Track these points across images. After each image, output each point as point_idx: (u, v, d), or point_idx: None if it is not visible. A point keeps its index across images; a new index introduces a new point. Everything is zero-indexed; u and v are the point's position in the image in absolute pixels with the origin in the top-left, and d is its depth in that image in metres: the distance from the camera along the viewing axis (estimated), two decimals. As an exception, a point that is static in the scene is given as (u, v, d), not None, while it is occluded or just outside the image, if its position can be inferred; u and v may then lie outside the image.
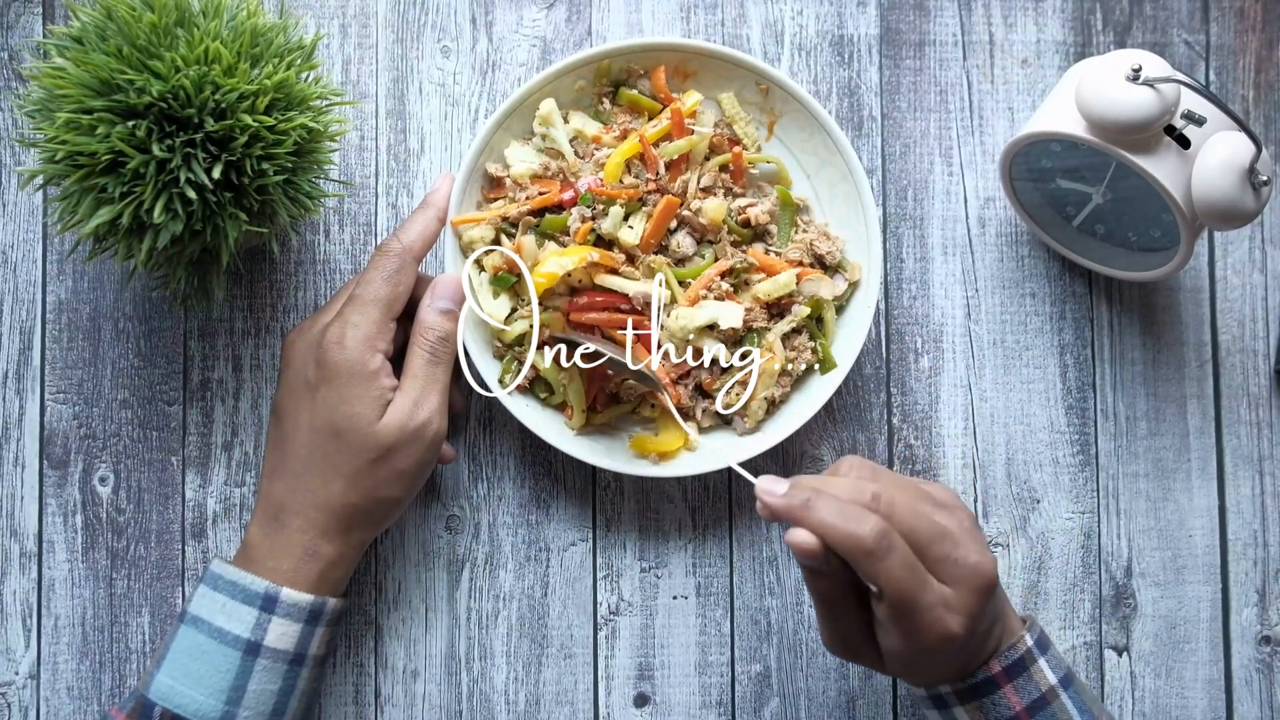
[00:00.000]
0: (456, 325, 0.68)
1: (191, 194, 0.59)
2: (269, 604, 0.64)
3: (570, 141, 0.73)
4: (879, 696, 0.76)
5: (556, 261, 0.69)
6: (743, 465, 0.75)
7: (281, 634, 0.64)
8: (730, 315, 0.70)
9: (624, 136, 0.73)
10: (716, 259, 0.72)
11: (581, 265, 0.70)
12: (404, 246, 0.67)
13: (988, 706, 0.62)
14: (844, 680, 0.76)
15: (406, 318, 0.69)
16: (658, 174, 0.71)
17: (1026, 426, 0.78)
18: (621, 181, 0.71)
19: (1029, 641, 0.63)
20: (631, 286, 0.70)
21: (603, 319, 0.71)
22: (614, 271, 0.71)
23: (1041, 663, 0.63)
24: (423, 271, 0.72)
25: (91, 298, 0.75)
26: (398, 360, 0.68)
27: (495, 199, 0.74)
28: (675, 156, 0.72)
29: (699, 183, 0.73)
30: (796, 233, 0.74)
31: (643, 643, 0.76)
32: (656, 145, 0.72)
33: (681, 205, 0.72)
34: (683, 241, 0.72)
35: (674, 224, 0.72)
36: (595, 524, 0.76)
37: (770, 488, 0.59)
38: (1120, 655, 0.77)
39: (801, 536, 0.58)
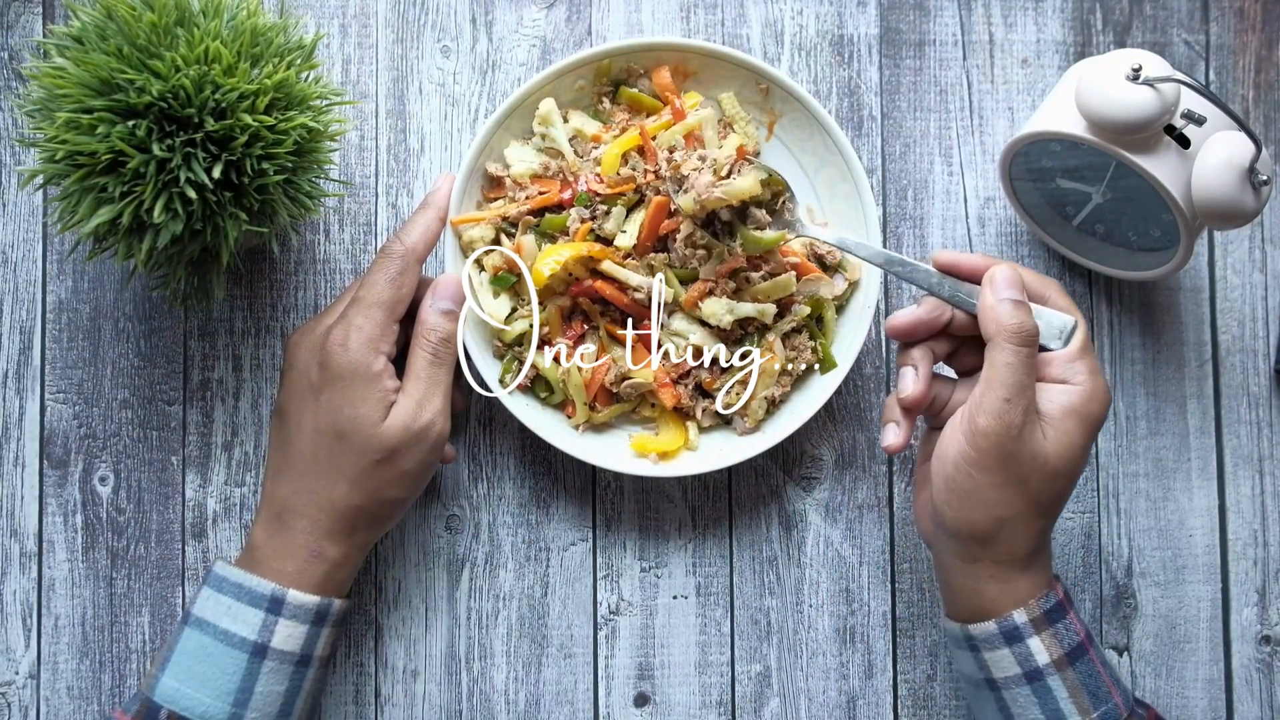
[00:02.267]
0: (456, 325, 0.68)
1: (191, 194, 0.59)
2: (275, 606, 0.64)
3: (570, 141, 0.73)
4: (879, 696, 0.76)
5: (554, 256, 0.69)
6: (742, 464, 0.75)
7: (288, 635, 0.64)
8: (745, 308, 0.70)
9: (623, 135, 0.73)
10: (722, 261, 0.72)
11: (576, 260, 0.70)
12: (406, 248, 0.67)
13: (1061, 632, 0.64)
14: (844, 680, 0.76)
15: (408, 319, 0.69)
16: (657, 166, 0.71)
17: (1026, 426, 0.78)
18: (619, 174, 0.71)
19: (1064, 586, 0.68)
20: (633, 278, 0.70)
21: (607, 292, 0.70)
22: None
23: (1074, 606, 0.67)
24: (423, 271, 0.72)
25: (91, 297, 0.75)
26: (399, 361, 0.68)
27: (495, 199, 0.74)
28: (678, 151, 0.72)
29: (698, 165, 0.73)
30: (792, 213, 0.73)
31: (643, 642, 0.76)
32: (655, 137, 0.72)
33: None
34: (685, 252, 0.72)
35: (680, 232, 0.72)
36: (595, 524, 0.76)
37: (952, 251, 0.71)
38: (1121, 655, 0.77)
39: (1006, 263, 0.66)
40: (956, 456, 0.64)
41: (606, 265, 0.70)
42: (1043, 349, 0.65)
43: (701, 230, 0.70)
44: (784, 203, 0.70)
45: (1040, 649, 0.64)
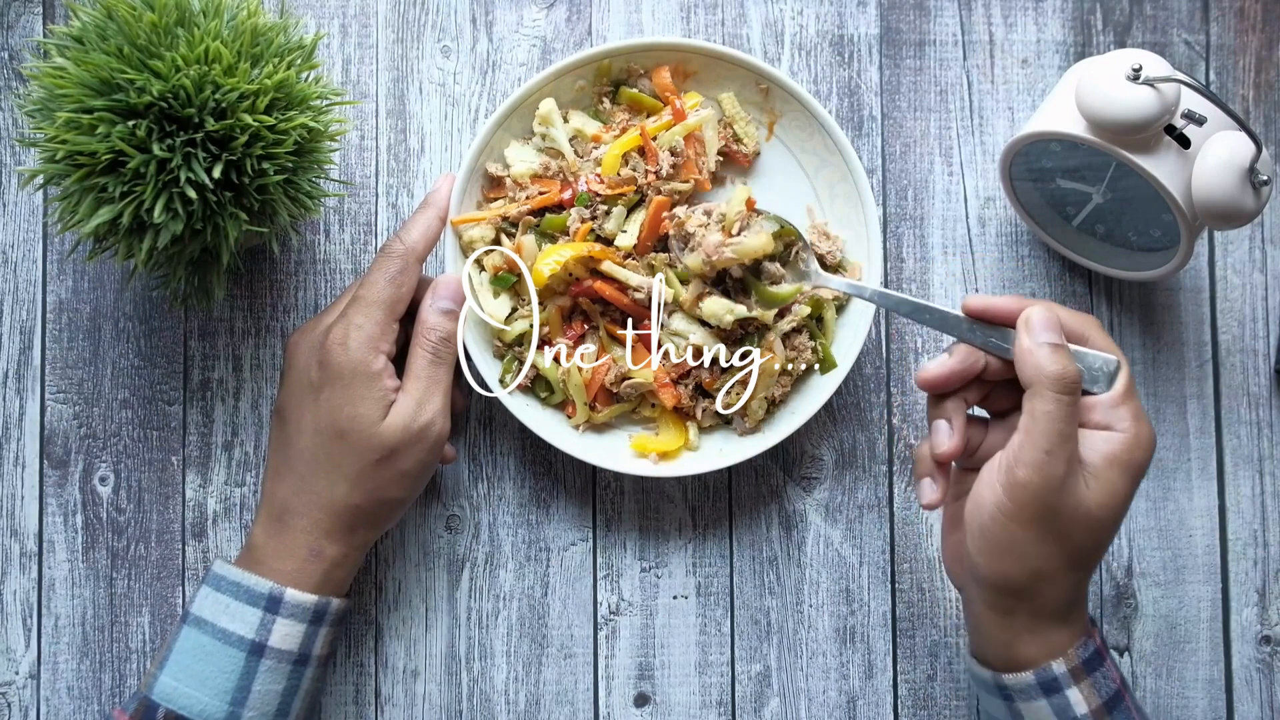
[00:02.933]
0: (456, 325, 0.68)
1: (192, 193, 0.59)
2: (273, 604, 0.64)
3: (570, 141, 0.73)
4: (879, 696, 0.76)
5: (554, 256, 0.69)
6: (742, 464, 0.75)
7: (286, 634, 0.64)
8: (714, 346, 0.70)
9: (623, 135, 0.73)
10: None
11: (576, 260, 0.70)
12: (406, 248, 0.67)
13: (1098, 682, 0.61)
14: (844, 680, 0.76)
15: (408, 318, 0.69)
16: (657, 167, 0.71)
17: (1026, 426, 0.78)
18: (619, 174, 0.71)
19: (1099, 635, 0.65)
20: (634, 278, 0.70)
21: (606, 292, 0.70)
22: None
23: (1110, 653, 0.65)
24: (424, 271, 0.72)
25: (92, 297, 0.75)
26: (399, 361, 0.68)
27: (495, 199, 0.74)
28: (683, 156, 0.72)
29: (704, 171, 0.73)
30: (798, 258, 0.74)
31: (643, 642, 0.76)
32: (656, 138, 0.72)
33: (677, 206, 0.72)
34: (683, 257, 0.72)
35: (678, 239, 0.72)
36: (595, 524, 0.76)
37: (982, 295, 0.65)
38: (1121, 655, 0.77)
39: (1043, 303, 0.62)
40: (993, 508, 0.60)
41: (606, 265, 0.70)
42: (1084, 392, 0.62)
43: (711, 288, 0.69)
44: (797, 253, 0.68)
45: (1079, 700, 0.61)
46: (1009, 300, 0.63)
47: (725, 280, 0.68)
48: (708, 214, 0.68)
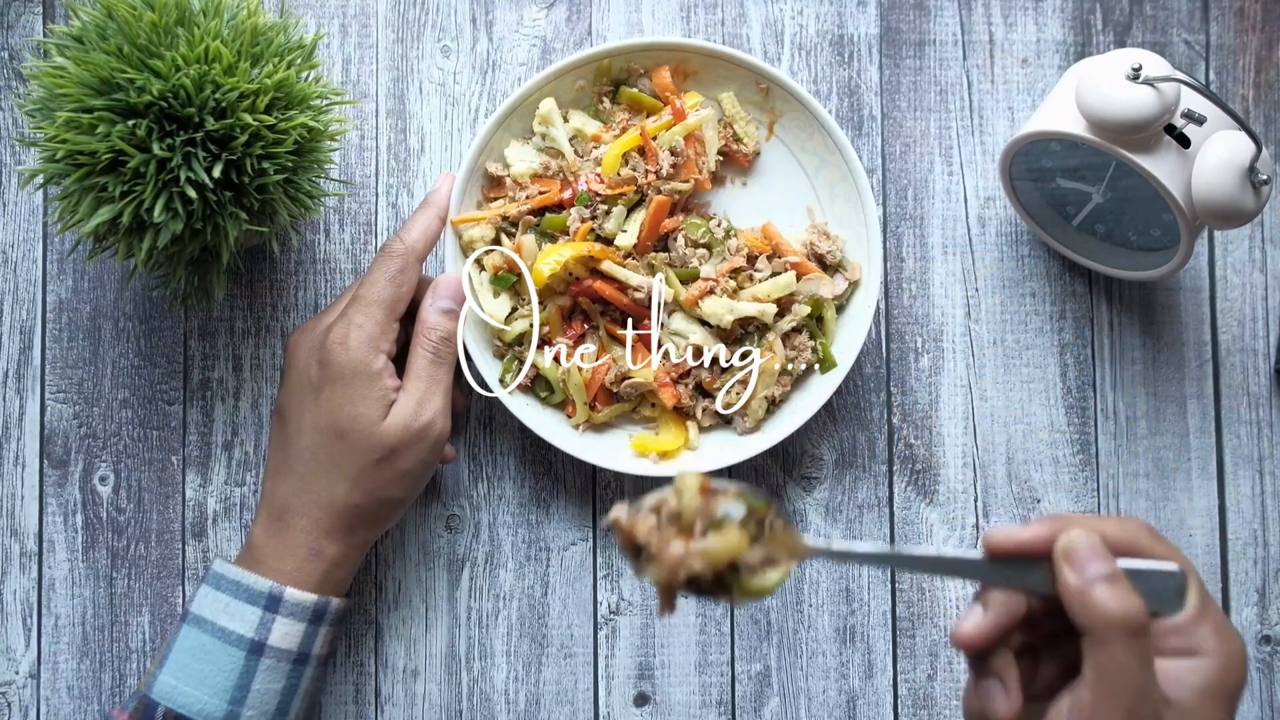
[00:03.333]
0: (457, 324, 0.68)
1: (192, 193, 0.59)
2: (273, 604, 0.64)
3: (570, 141, 0.73)
4: (879, 696, 0.76)
5: (554, 255, 0.69)
6: (742, 464, 0.75)
7: (285, 633, 0.64)
8: (746, 307, 0.70)
9: (623, 135, 0.73)
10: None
11: (576, 260, 0.70)
12: (407, 247, 0.67)
13: None
14: (844, 680, 0.76)
15: (408, 318, 0.69)
16: (658, 167, 0.71)
17: (1026, 426, 0.78)
18: (619, 174, 0.71)
19: None
20: (634, 278, 0.70)
21: (606, 292, 0.70)
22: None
23: None
24: (423, 271, 0.72)
25: (92, 297, 0.75)
26: (399, 361, 0.68)
27: (495, 198, 0.74)
28: (683, 155, 0.72)
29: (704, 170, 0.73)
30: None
31: (643, 642, 0.76)
32: (656, 138, 0.72)
33: (677, 206, 0.72)
34: (686, 252, 0.72)
35: (679, 235, 0.72)
36: (595, 523, 0.76)
37: (1006, 526, 0.51)
38: (1120, 655, 0.77)
39: (1079, 532, 0.49)
40: None
41: (606, 265, 0.70)
42: (1152, 614, 0.49)
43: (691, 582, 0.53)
44: (772, 525, 0.53)
45: None
46: (1037, 529, 0.50)
47: (699, 581, 0.52)
48: (657, 512, 0.52)
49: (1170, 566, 0.50)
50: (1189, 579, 0.50)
